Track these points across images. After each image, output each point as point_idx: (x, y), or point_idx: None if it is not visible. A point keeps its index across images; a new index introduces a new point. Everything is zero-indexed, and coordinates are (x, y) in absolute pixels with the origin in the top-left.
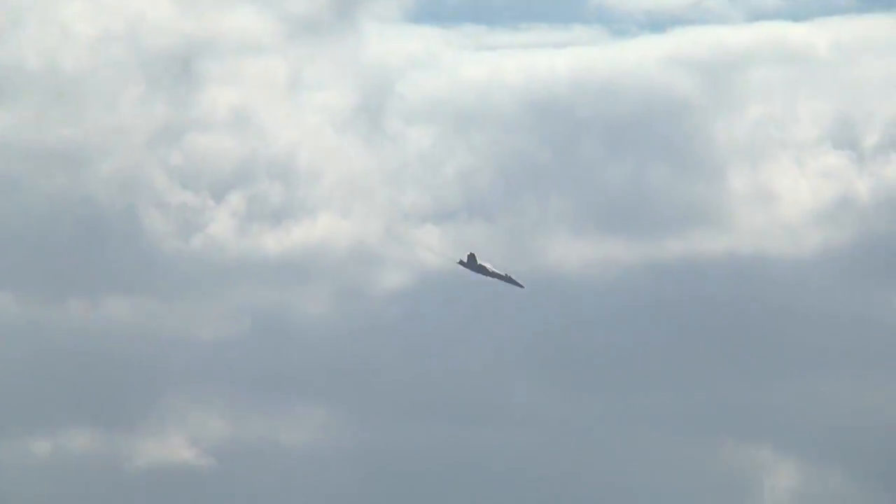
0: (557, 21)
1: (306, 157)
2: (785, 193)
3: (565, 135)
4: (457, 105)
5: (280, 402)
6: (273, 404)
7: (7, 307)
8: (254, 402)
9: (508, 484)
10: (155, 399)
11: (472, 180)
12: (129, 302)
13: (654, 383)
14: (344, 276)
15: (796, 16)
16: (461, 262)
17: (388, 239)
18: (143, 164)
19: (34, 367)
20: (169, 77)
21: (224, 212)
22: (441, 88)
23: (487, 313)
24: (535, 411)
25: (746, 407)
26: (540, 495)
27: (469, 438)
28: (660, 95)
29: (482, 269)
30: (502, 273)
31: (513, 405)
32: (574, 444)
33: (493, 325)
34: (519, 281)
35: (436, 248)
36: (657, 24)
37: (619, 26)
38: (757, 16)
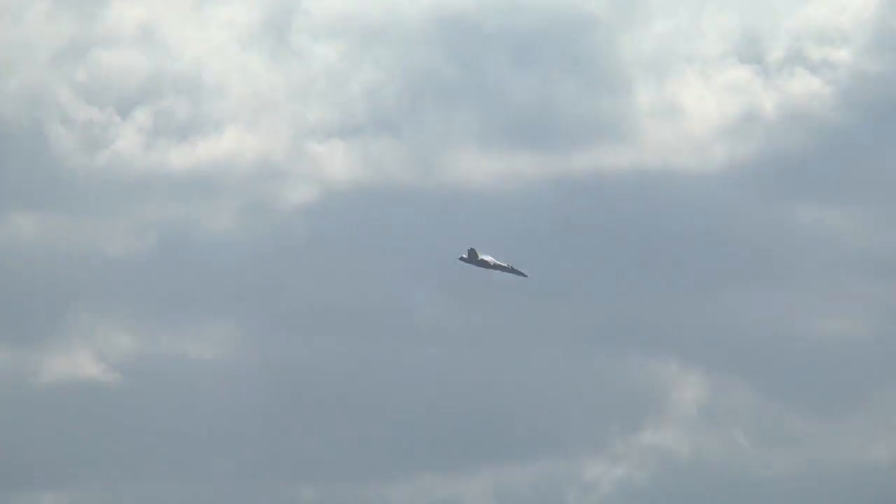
0: None
1: (212, 72)
2: (691, 108)
3: (472, 50)
4: (363, 20)
5: (187, 317)
6: (180, 319)
7: None
8: (160, 317)
9: (415, 397)
10: (61, 315)
11: (379, 96)
12: (35, 218)
13: (560, 297)
14: (250, 191)
15: None
16: (462, 258)
17: (294, 154)
18: (49, 79)
19: None
20: None
21: (130, 128)
22: (347, 3)
23: (394, 228)
24: (442, 325)
25: (653, 320)
26: (446, 408)
27: (375, 353)
28: (566, 10)
29: (483, 264)
30: (505, 265)
31: (419, 319)
32: (479, 358)
33: (399, 240)
34: (522, 270)
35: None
36: None
37: None
38: None
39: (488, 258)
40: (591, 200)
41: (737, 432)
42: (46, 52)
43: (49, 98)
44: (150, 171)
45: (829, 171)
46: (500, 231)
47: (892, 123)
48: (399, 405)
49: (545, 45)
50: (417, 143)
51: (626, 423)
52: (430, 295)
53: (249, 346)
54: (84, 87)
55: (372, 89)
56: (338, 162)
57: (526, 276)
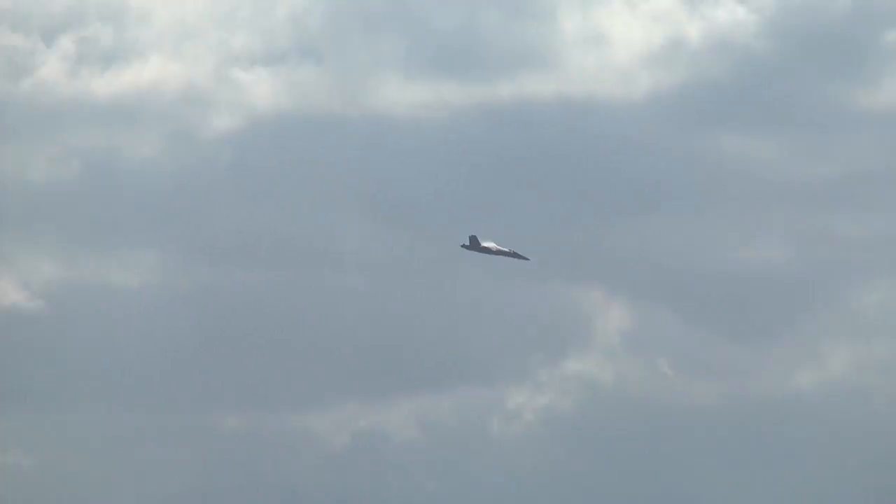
0: None
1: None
2: (616, 36)
3: None
4: None
5: (110, 245)
6: (103, 247)
7: None
8: (84, 245)
9: (339, 327)
10: None
11: (304, 23)
12: None
13: (484, 225)
14: (174, 119)
15: None
16: (464, 246)
17: (218, 82)
18: None
19: None
20: None
21: (54, 55)
22: None
23: (318, 156)
24: (368, 254)
25: (577, 249)
26: (370, 338)
27: (300, 282)
28: None
29: (485, 250)
30: (506, 249)
31: (345, 248)
32: (403, 288)
33: (324, 168)
34: (523, 254)
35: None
36: None
37: None
38: None
39: (490, 244)
40: (515, 129)
41: (660, 360)
42: None
43: None
44: (74, 99)
45: (754, 100)
46: (424, 159)
47: (815, 53)
48: (323, 335)
49: None
50: (342, 71)
51: (549, 351)
52: (354, 224)
53: (173, 274)
54: (8, 14)
55: (296, 17)
56: (262, 90)
57: (528, 259)
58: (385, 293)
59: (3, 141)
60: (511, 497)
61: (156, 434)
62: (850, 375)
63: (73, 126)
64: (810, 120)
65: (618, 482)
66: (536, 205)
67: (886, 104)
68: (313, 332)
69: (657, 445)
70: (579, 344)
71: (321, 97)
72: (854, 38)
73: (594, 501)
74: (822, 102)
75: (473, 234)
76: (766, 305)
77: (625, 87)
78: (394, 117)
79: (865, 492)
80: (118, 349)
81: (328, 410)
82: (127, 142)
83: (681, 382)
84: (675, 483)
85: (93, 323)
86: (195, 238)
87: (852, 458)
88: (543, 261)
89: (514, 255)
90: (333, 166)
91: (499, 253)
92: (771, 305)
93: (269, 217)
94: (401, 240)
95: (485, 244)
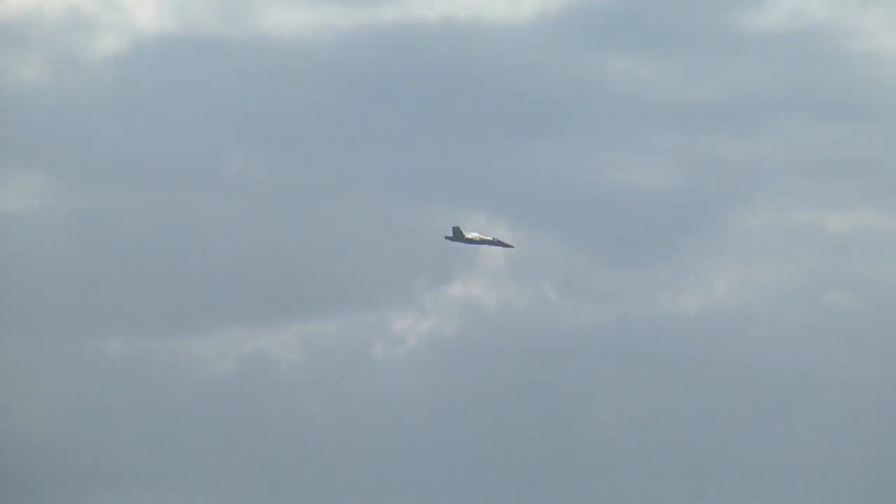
0: None
1: None
2: None
3: None
4: None
5: None
6: None
7: None
8: None
9: (223, 250)
10: None
11: None
12: None
13: (370, 148)
14: (58, 42)
15: None
16: (448, 237)
17: (102, 5)
18: None
19: None
20: None
21: None
22: None
23: (203, 79)
24: (253, 177)
25: (462, 172)
26: (254, 261)
27: (183, 206)
28: None
29: (469, 241)
30: (490, 238)
31: (230, 171)
32: (288, 211)
33: (209, 92)
34: (508, 242)
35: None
36: None
37: None
38: None
39: (474, 235)
40: (400, 52)
41: (545, 285)
42: None
43: None
44: None
45: (640, 23)
46: (309, 82)
47: None
48: (207, 259)
49: None
50: None
51: (434, 276)
52: (239, 147)
53: (57, 197)
54: None
55: None
56: (147, 12)
57: (512, 246)
58: (270, 217)
59: None
60: (395, 421)
61: (39, 358)
62: (733, 298)
63: None
64: (696, 43)
65: (501, 406)
66: (420, 128)
67: (772, 27)
68: (198, 256)
69: (541, 370)
70: (464, 268)
71: (206, 20)
72: None
73: (479, 425)
74: (709, 25)
75: (456, 225)
76: (651, 229)
77: (510, 9)
78: (279, 40)
79: (746, 410)
80: (2, 273)
81: (213, 335)
82: (10, 64)
83: (565, 306)
84: (560, 407)
85: None
86: (79, 161)
87: (735, 380)
88: (428, 184)
89: (498, 243)
90: (218, 89)
91: (482, 242)
92: (656, 229)
93: (154, 140)
94: (284, 164)
95: (468, 235)
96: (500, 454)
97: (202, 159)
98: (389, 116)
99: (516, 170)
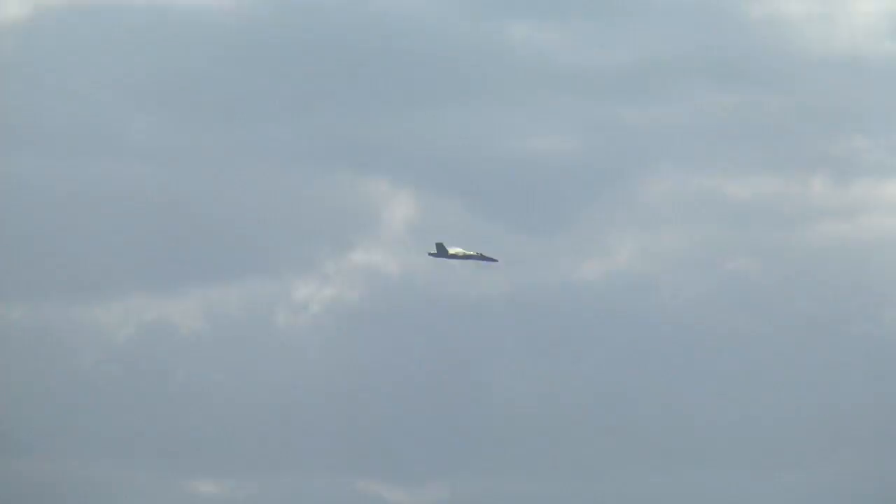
0: None
1: None
2: None
3: None
4: None
5: None
6: None
7: None
8: None
9: (124, 216)
10: None
11: None
12: None
13: (273, 114)
14: None
15: None
16: (431, 254)
17: None
18: None
19: None
20: None
21: None
22: None
23: (106, 46)
24: (152, 144)
25: (363, 139)
26: (155, 227)
27: (85, 171)
28: None
29: (453, 256)
30: (473, 253)
31: (131, 136)
32: (190, 177)
33: (111, 58)
34: (491, 256)
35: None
36: None
37: None
38: None
39: (457, 250)
40: (301, 17)
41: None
42: None
43: None
44: None
45: None
46: (209, 46)
47: None
48: (107, 223)
49: None
50: None
51: (336, 243)
52: (140, 114)
53: None
54: None
55: None
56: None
57: (496, 260)
58: (172, 183)
59: None
60: (297, 388)
61: None
62: (636, 265)
63: None
64: (599, 10)
65: (404, 372)
66: (323, 94)
67: None
68: (99, 221)
69: (443, 336)
70: (366, 235)
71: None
72: None
73: (381, 391)
74: None
75: (440, 241)
76: (554, 195)
77: None
78: (181, 6)
79: (648, 375)
80: None
81: (114, 302)
82: None
83: (467, 272)
84: (461, 371)
85: None
86: None
87: (637, 346)
88: (330, 151)
89: (482, 257)
90: (120, 56)
91: (466, 258)
92: (559, 195)
93: (57, 106)
94: (186, 129)
95: (452, 251)
96: (401, 418)
97: (105, 126)
98: (292, 82)
99: (419, 136)
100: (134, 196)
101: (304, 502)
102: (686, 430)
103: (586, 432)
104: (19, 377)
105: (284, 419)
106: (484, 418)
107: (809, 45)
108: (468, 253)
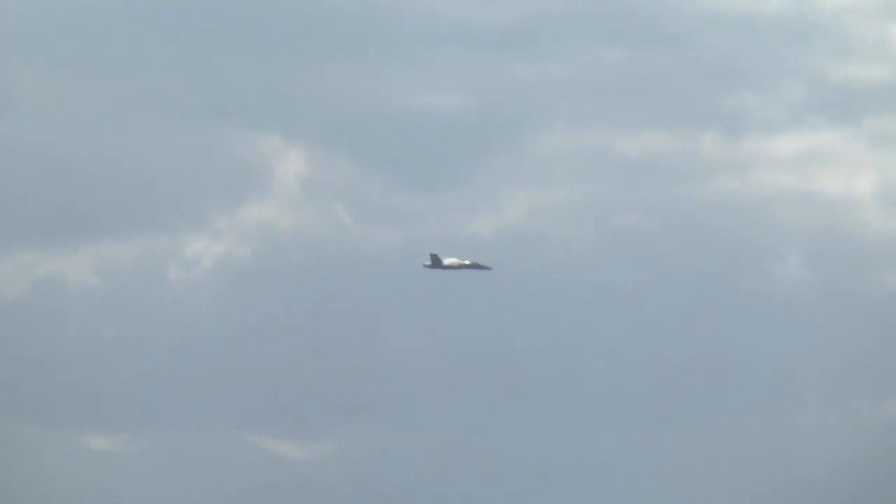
0: None
1: None
2: None
3: None
4: None
5: None
6: None
7: None
8: None
9: (12, 172)
10: None
11: None
12: None
13: (165, 70)
14: None
15: None
16: (426, 265)
17: None
18: None
19: None
20: None
21: None
22: None
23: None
24: (43, 99)
25: (254, 94)
26: (43, 182)
27: None
28: None
29: (447, 267)
30: (467, 262)
31: (19, 93)
32: (82, 132)
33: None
34: (485, 264)
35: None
36: None
37: None
38: None
39: (452, 260)
40: None
41: (339, 208)
42: None
43: None
44: None
45: None
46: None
47: None
48: (8, 180)
49: None
50: None
51: (227, 198)
52: (30, 69)
53: None
54: None
55: None
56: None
57: (490, 268)
58: (63, 139)
59: None
60: (188, 343)
61: None
62: (527, 221)
63: None
64: None
65: (294, 328)
66: (214, 49)
67: None
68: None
69: (334, 292)
70: (258, 191)
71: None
72: None
73: (274, 347)
74: None
75: (434, 252)
76: (444, 152)
77: None
78: None
79: (537, 330)
80: None
81: (6, 259)
82: None
83: (360, 230)
84: (352, 329)
85: None
86: None
87: (528, 299)
88: (221, 106)
89: (476, 266)
90: (6, 5)
91: (461, 267)
92: (449, 152)
93: None
94: (79, 86)
95: (446, 262)
96: (292, 373)
97: None
98: (184, 38)
99: (309, 93)
100: (24, 151)
101: (195, 456)
102: (575, 384)
103: (477, 386)
104: None
105: (175, 374)
106: (373, 373)
107: (699, 2)
108: (462, 262)
